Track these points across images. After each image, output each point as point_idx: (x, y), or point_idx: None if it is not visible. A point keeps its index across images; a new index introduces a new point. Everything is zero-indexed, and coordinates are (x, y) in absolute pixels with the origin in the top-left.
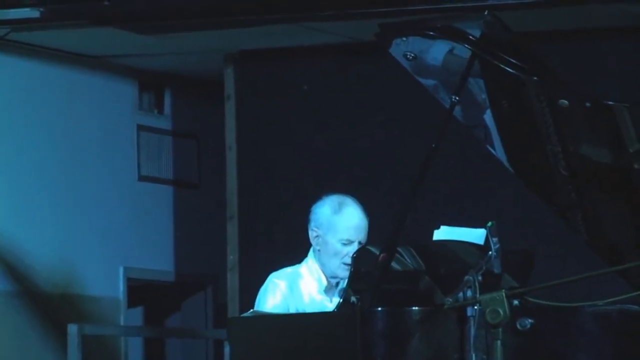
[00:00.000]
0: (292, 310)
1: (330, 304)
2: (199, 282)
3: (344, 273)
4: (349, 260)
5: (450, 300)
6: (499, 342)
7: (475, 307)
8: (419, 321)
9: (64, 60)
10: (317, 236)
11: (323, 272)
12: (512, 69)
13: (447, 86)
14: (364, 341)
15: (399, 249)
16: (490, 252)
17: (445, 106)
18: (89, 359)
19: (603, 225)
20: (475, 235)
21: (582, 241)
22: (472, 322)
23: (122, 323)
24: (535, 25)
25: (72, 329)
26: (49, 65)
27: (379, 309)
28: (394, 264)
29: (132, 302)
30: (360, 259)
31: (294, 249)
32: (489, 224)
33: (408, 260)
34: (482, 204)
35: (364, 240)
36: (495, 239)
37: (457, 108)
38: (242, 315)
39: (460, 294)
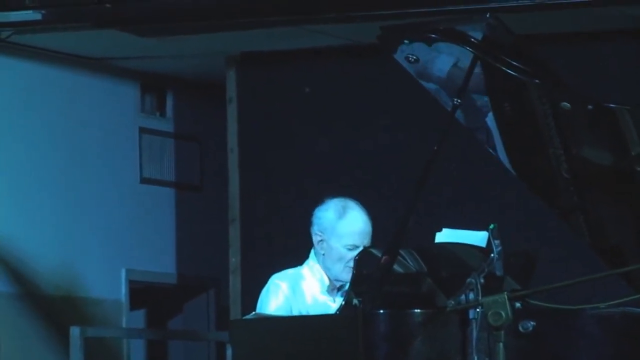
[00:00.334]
0: (295, 312)
1: (333, 304)
2: (201, 285)
3: (348, 277)
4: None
5: (453, 302)
6: (501, 345)
7: (478, 310)
8: (421, 323)
9: (65, 62)
10: (321, 240)
11: (326, 274)
12: (514, 72)
13: (449, 89)
14: (366, 343)
15: (401, 252)
16: (492, 255)
17: (447, 109)
18: None
19: (605, 227)
20: (477, 237)
21: (584, 244)
22: (474, 325)
23: (124, 325)
24: (537, 28)
25: (75, 331)
26: (51, 68)
27: (381, 311)
28: (396, 267)
29: (134, 304)
30: (362, 262)
31: (296, 251)
32: (491, 226)
33: (410, 262)
34: (485, 206)
35: (368, 245)
36: (497, 242)
37: (459, 111)
38: (244, 317)
39: (463, 297)
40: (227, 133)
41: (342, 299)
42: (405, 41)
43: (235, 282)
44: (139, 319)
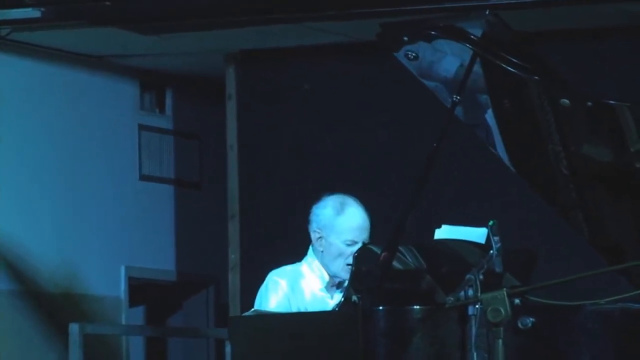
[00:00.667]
0: (294, 308)
1: (331, 300)
2: (201, 282)
3: (347, 274)
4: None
5: (452, 299)
6: (500, 341)
7: (477, 306)
8: (421, 320)
9: (65, 60)
10: (319, 237)
11: (325, 270)
12: (514, 68)
13: (449, 86)
14: (365, 340)
15: (400, 248)
16: (491, 251)
17: (447, 106)
18: (91, 359)
19: (604, 224)
20: (476, 234)
21: (585, 241)
22: (473, 321)
23: (123, 322)
24: (536, 25)
25: (74, 328)
26: (50, 65)
27: (381, 307)
28: (395, 263)
29: (133, 301)
30: (361, 258)
31: (295, 248)
32: (491, 222)
33: (409, 259)
34: (486, 205)
35: (367, 240)
36: (496, 238)
37: (459, 108)
38: (243, 314)
39: (462, 293)
40: (226, 130)
41: (341, 295)
42: (405, 38)
43: (234, 279)
44: (138, 315)
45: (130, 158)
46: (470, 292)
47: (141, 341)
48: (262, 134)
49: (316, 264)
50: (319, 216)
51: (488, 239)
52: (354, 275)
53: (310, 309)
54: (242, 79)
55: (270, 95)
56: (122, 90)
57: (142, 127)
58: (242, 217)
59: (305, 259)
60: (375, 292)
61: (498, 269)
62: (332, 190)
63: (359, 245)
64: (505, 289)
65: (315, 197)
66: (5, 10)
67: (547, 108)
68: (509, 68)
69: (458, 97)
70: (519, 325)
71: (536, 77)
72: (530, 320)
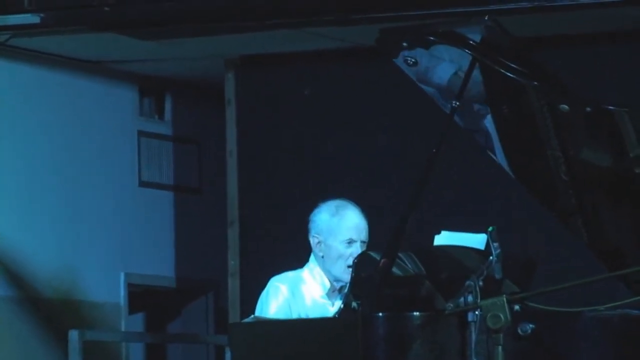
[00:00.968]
0: (294, 314)
1: (332, 307)
2: (200, 288)
3: (349, 276)
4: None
5: (451, 305)
6: (500, 348)
7: (476, 312)
8: (420, 326)
9: (64, 65)
10: (318, 242)
11: (327, 277)
12: (513, 74)
13: (448, 91)
14: (365, 346)
15: (400, 254)
16: (491, 257)
17: (446, 111)
18: None
19: (604, 229)
20: (476, 240)
21: (584, 246)
22: (473, 327)
23: (123, 329)
24: (535, 30)
25: (73, 334)
26: (50, 71)
27: (380, 314)
28: (395, 269)
29: (133, 307)
30: (361, 264)
31: (295, 254)
32: (490, 228)
33: (409, 265)
34: (486, 210)
35: (366, 240)
36: (496, 244)
37: (458, 113)
38: (243, 320)
39: (461, 299)
40: (225, 136)
41: (341, 301)
42: (404, 44)
43: (234, 285)
44: (137, 322)
45: (130, 164)
46: (470, 298)
47: (141, 348)
48: (262, 139)
49: (317, 270)
50: (315, 222)
51: (487, 245)
52: (353, 282)
53: (311, 315)
54: (241, 84)
55: (269, 100)
56: (121, 96)
57: (141, 133)
58: (241, 223)
59: (306, 265)
60: (374, 298)
61: (498, 275)
62: (332, 195)
63: (358, 244)
64: (504, 295)
65: (315, 202)
66: (5, 16)
67: (546, 113)
68: (508, 73)
69: (457, 103)
70: (519, 331)
71: (535, 83)
72: (530, 326)
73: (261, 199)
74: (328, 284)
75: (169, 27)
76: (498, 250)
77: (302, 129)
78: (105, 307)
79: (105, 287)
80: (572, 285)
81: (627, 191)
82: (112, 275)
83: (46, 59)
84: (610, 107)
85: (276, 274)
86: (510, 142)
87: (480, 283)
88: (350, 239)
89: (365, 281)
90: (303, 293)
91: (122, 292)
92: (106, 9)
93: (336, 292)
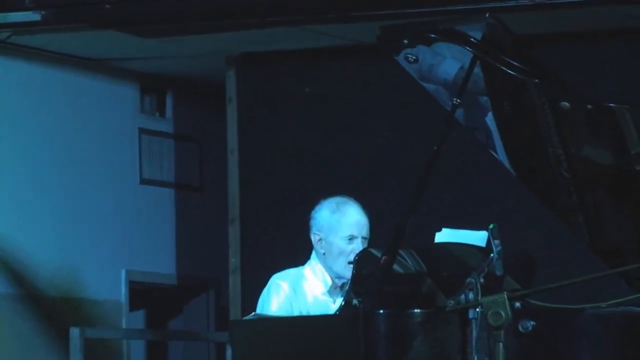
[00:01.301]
0: (296, 311)
1: (333, 305)
2: (201, 285)
3: (350, 273)
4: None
5: (452, 302)
6: (501, 345)
7: (477, 310)
8: (421, 323)
9: (65, 63)
10: (320, 240)
11: (329, 274)
12: (514, 71)
13: (449, 89)
14: (366, 343)
15: (401, 252)
16: (492, 255)
17: (447, 109)
18: None
19: (605, 227)
20: (477, 237)
21: (585, 244)
22: (474, 325)
23: (124, 326)
24: (537, 28)
25: (74, 332)
26: (51, 69)
27: (381, 311)
28: (395, 267)
29: (134, 305)
30: (362, 261)
31: (296, 251)
32: (491, 226)
33: (410, 262)
34: (486, 207)
35: (367, 236)
36: (497, 241)
37: (459, 111)
38: (244, 318)
39: (462, 297)
40: (226, 133)
41: (342, 299)
42: (405, 41)
43: (235, 283)
44: (138, 319)
45: (131, 162)
46: (471, 295)
47: (142, 345)
48: (263, 137)
49: (319, 267)
50: (316, 219)
51: (488, 242)
52: (354, 279)
53: (312, 312)
54: (242, 82)
55: (270, 98)
56: (122, 94)
57: (142, 131)
58: (242, 221)
59: (308, 262)
60: (375, 295)
61: (499, 273)
62: (333, 193)
63: (359, 240)
64: (505, 292)
65: (316, 200)
66: (5, 14)
67: (547, 111)
68: (509, 71)
69: (458, 100)
70: (520, 328)
71: (536, 80)
72: (531, 323)
73: (262, 196)
74: (330, 281)
75: (170, 25)
76: (499, 248)
77: (303, 127)
78: (106, 305)
79: (106, 285)
80: (574, 283)
81: (628, 189)
82: (113, 272)
83: (47, 57)
84: (611, 105)
85: (277, 271)
86: (511, 139)
87: (481, 280)
88: (351, 235)
89: (366, 278)
90: (304, 290)
91: (123, 290)
92: (107, 6)
93: (338, 289)
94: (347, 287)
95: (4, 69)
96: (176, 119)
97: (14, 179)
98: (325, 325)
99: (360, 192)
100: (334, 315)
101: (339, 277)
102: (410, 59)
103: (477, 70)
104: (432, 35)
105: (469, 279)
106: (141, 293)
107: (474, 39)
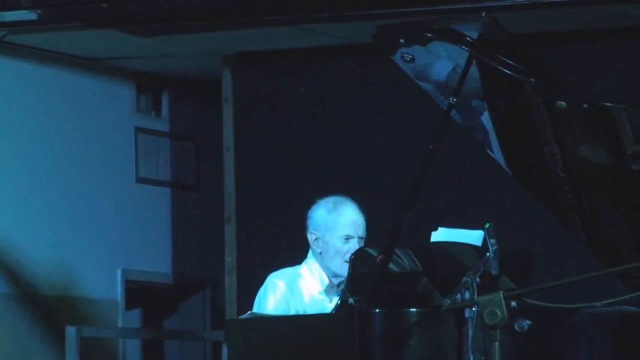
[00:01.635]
0: (292, 310)
1: (329, 304)
2: (197, 284)
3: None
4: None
5: (448, 301)
6: (497, 344)
7: (473, 309)
8: (417, 322)
9: (61, 62)
10: (316, 239)
11: (325, 273)
12: (510, 70)
13: (445, 88)
14: (362, 342)
15: (397, 251)
16: (488, 254)
17: (443, 108)
18: None
19: (601, 227)
20: (473, 236)
21: (581, 244)
22: (470, 324)
23: (120, 325)
24: (533, 27)
25: (70, 331)
26: (47, 68)
27: (377, 310)
28: (392, 266)
29: (130, 304)
30: (358, 260)
31: (292, 250)
32: (487, 225)
33: (406, 261)
34: (484, 209)
35: (363, 235)
36: (493, 241)
37: (455, 110)
38: (240, 317)
39: (458, 296)
40: (222, 132)
41: (338, 298)
42: (401, 40)
43: (231, 282)
44: (134, 318)
45: (127, 160)
46: (467, 294)
47: (138, 344)
48: (259, 136)
49: (316, 266)
50: (313, 218)
51: (484, 241)
52: (350, 278)
53: (309, 311)
54: (238, 81)
55: (266, 97)
56: (119, 93)
57: (138, 130)
58: (238, 220)
59: (305, 261)
60: (371, 294)
61: (494, 272)
62: (329, 192)
63: (355, 240)
64: (501, 291)
65: (312, 199)
66: (2, 13)
67: (543, 110)
68: (505, 70)
69: (454, 99)
70: (516, 327)
71: (532, 79)
72: (526, 322)
73: (258, 195)
74: (326, 280)
75: (166, 24)
76: (495, 247)
77: (299, 126)
78: (102, 304)
79: (102, 284)
80: (569, 282)
81: (624, 188)
82: (109, 271)
83: (43, 56)
84: (607, 104)
85: (273, 270)
86: (508, 138)
87: (477, 279)
88: (347, 234)
89: (362, 277)
90: (301, 289)
91: (119, 289)
92: (103, 5)
93: (334, 288)
94: (343, 286)
95: (0, 68)
96: (172, 118)
97: (10, 177)
98: (321, 324)
99: (356, 191)
100: (330, 314)
101: (336, 276)
102: (406, 58)
103: (473, 69)
104: (428, 35)
105: (465, 278)
106: (137, 292)
107: (470, 38)
